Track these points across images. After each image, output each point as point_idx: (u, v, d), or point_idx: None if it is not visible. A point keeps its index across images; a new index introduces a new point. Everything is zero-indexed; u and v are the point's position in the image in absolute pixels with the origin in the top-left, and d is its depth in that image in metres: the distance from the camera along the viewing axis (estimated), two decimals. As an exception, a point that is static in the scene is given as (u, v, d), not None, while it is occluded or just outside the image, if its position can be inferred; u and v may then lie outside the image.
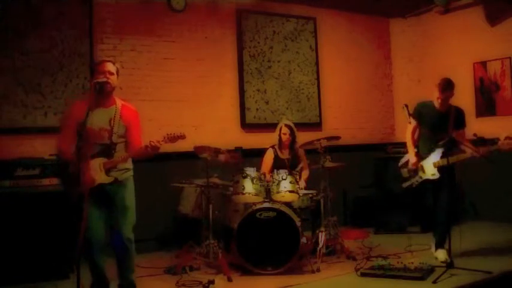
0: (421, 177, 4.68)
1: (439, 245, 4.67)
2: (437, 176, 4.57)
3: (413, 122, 4.76)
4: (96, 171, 3.49)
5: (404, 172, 4.83)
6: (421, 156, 4.72)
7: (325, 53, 7.01)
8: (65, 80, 5.20)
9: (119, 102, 3.65)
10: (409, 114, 4.68)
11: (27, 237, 4.30)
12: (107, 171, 3.53)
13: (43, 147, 4.89)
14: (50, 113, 5.09)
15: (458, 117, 4.71)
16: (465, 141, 4.61)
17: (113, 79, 3.56)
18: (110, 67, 3.56)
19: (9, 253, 4.24)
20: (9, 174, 4.38)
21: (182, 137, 3.61)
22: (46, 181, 4.45)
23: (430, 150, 4.65)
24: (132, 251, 3.69)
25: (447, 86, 4.60)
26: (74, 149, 3.40)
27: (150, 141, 3.50)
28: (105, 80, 3.48)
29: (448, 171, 4.57)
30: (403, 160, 4.89)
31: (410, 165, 4.74)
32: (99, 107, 3.51)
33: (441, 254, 4.56)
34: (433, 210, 4.72)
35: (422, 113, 4.75)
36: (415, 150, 4.78)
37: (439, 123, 4.65)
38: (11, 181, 4.37)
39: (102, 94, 3.51)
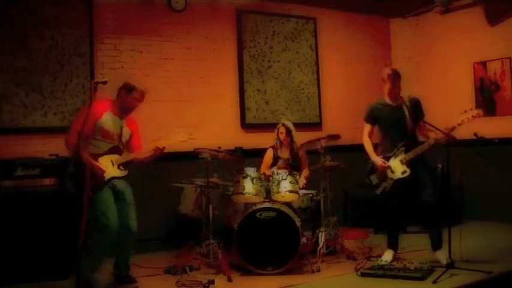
0: (392, 179, 4.43)
1: (437, 246, 4.45)
2: (408, 172, 4.33)
3: (368, 126, 4.60)
4: (109, 166, 3.86)
5: (374, 179, 4.55)
6: (385, 157, 4.46)
7: (325, 53, 7.00)
8: (65, 80, 5.20)
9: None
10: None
11: (27, 237, 4.30)
12: (118, 167, 3.94)
13: (43, 147, 4.90)
14: (50, 113, 5.10)
15: (414, 109, 4.44)
16: (426, 131, 4.39)
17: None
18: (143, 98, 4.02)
19: (9, 253, 4.24)
20: (9, 174, 4.39)
21: (162, 149, 4.02)
22: (46, 181, 4.46)
23: (391, 150, 4.44)
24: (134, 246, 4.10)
25: (397, 76, 4.42)
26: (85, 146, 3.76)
27: (155, 146, 3.99)
28: (104, 80, 3.46)
29: (421, 166, 4.39)
30: (367, 168, 4.60)
31: (378, 169, 4.47)
32: (114, 114, 3.97)
33: (442, 256, 4.35)
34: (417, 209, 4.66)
35: (375, 115, 4.58)
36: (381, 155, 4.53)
37: (394, 119, 4.44)
38: (11, 181, 4.38)
39: (125, 111, 4.00)
